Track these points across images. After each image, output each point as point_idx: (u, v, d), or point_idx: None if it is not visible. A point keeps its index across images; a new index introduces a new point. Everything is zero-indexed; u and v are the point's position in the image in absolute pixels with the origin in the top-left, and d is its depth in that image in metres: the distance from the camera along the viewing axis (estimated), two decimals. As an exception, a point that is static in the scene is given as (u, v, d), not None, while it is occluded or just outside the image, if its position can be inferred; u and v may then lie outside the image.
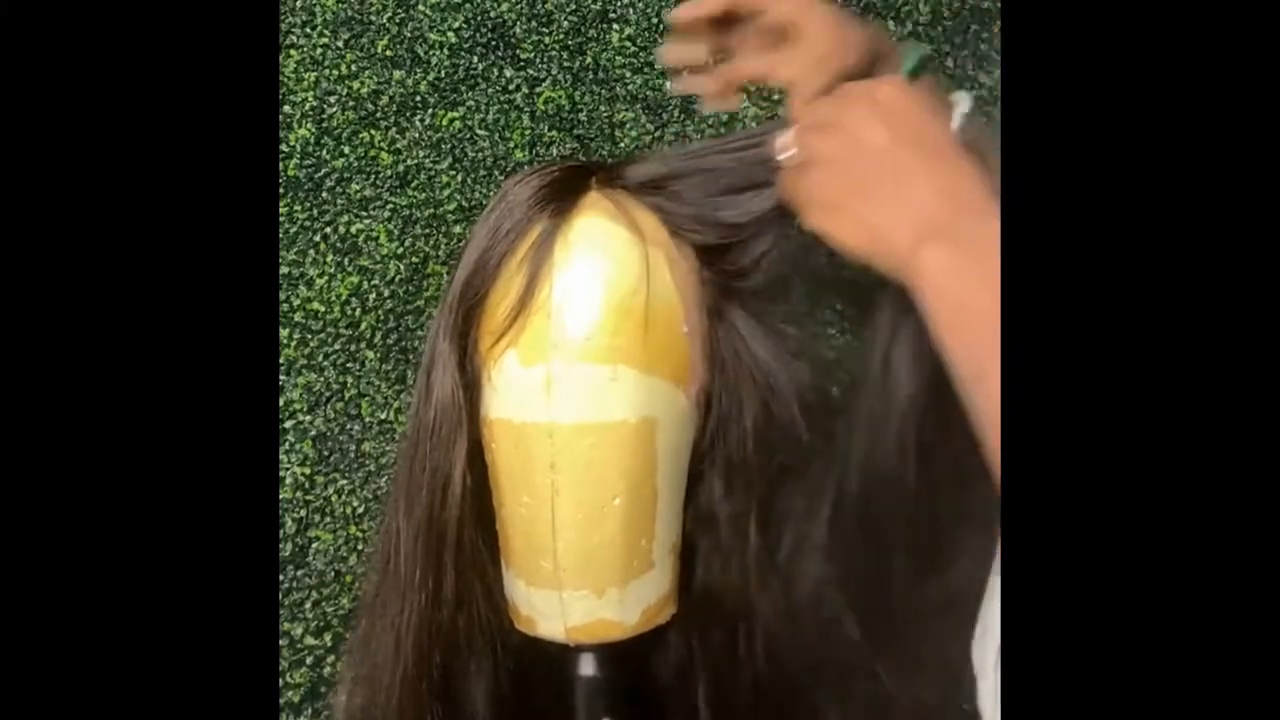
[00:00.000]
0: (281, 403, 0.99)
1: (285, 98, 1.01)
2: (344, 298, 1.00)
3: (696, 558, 0.58)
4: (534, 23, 1.01)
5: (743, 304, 0.56)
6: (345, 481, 0.99)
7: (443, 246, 1.00)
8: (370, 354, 1.00)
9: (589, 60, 1.01)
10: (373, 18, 1.02)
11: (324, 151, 1.01)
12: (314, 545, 0.99)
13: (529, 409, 0.52)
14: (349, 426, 0.99)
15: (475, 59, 1.01)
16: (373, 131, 1.01)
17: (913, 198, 0.44)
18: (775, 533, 0.57)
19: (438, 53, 1.01)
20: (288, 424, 0.99)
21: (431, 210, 1.00)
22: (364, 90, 1.01)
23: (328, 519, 0.99)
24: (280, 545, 0.98)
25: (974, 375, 0.41)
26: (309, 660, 0.98)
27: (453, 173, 1.00)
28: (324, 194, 1.00)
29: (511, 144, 0.99)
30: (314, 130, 1.01)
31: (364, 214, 1.00)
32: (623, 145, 1.01)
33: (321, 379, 0.99)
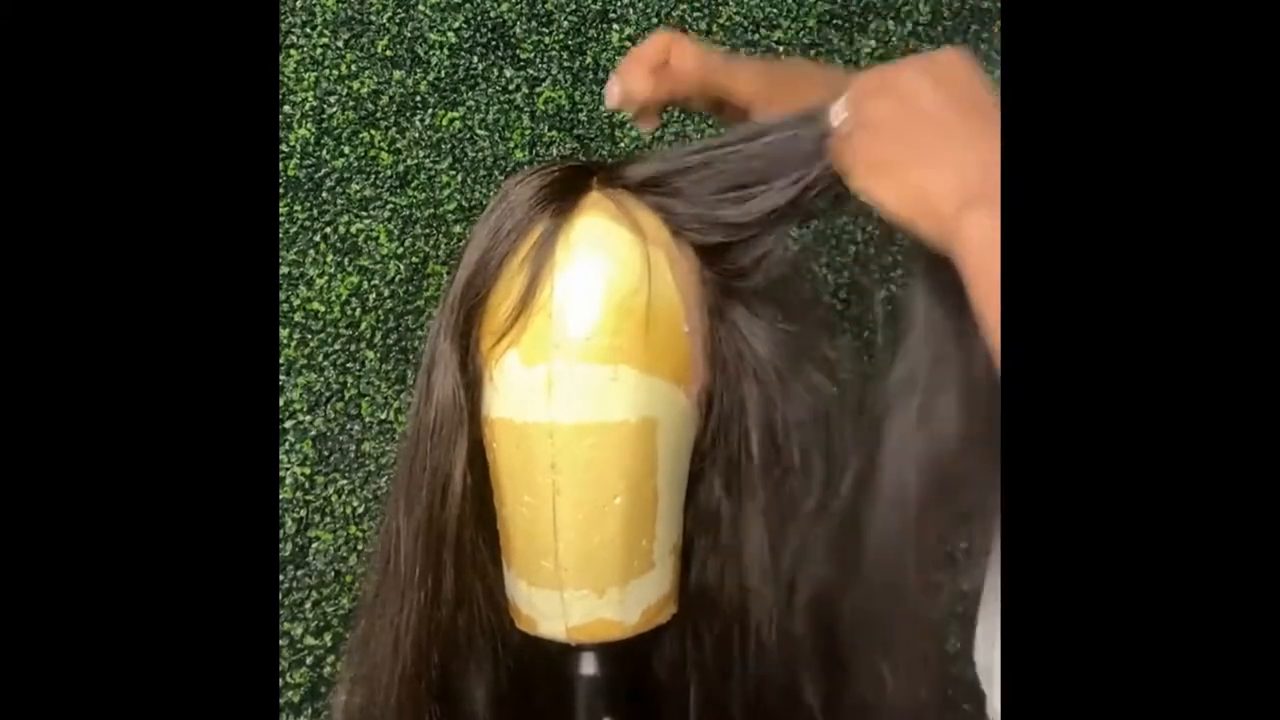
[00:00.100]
0: (281, 403, 0.99)
1: (285, 98, 1.01)
2: (344, 298, 1.00)
3: (697, 558, 0.58)
4: (534, 23, 1.01)
5: (744, 303, 0.56)
6: (345, 481, 0.99)
7: (443, 246, 1.00)
8: (370, 354, 1.00)
9: (589, 60, 1.01)
10: (373, 18, 1.02)
11: (324, 151, 1.01)
12: (314, 545, 0.99)
13: (530, 409, 0.52)
14: (349, 426, 0.99)
15: (475, 59, 1.01)
16: (373, 131, 1.01)
17: (960, 162, 0.44)
18: (776, 533, 0.57)
19: (438, 53, 1.01)
20: (288, 424, 1.00)
21: (431, 210, 1.00)
22: (364, 90, 1.01)
23: (328, 519, 0.99)
24: (280, 545, 0.98)
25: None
26: (309, 660, 0.98)
27: (453, 173, 1.00)
28: (324, 194, 1.00)
29: (511, 144, 0.99)
30: (314, 130, 1.01)
31: (364, 214, 1.00)
32: (623, 145, 1.01)
33: (321, 379, 0.99)
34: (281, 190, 1.00)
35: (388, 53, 1.01)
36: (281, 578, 0.98)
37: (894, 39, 1.09)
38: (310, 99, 1.01)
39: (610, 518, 0.53)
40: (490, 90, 1.00)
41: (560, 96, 1.00)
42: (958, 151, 0.44)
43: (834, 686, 0.58)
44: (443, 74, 1.01)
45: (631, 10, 1.01)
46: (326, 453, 0.99)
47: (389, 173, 1.01)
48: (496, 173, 1.00)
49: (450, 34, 1.01)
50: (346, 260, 1.00)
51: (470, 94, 1.01)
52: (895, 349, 0.52)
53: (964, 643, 0.56)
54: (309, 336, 1.00)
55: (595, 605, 0.53)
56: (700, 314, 0.55)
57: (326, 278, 1.00)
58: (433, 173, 1.00)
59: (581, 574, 0.53)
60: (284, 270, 0.99)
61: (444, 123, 1.00)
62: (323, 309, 1.00)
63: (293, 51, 1.01)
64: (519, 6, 1.01)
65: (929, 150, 0.45)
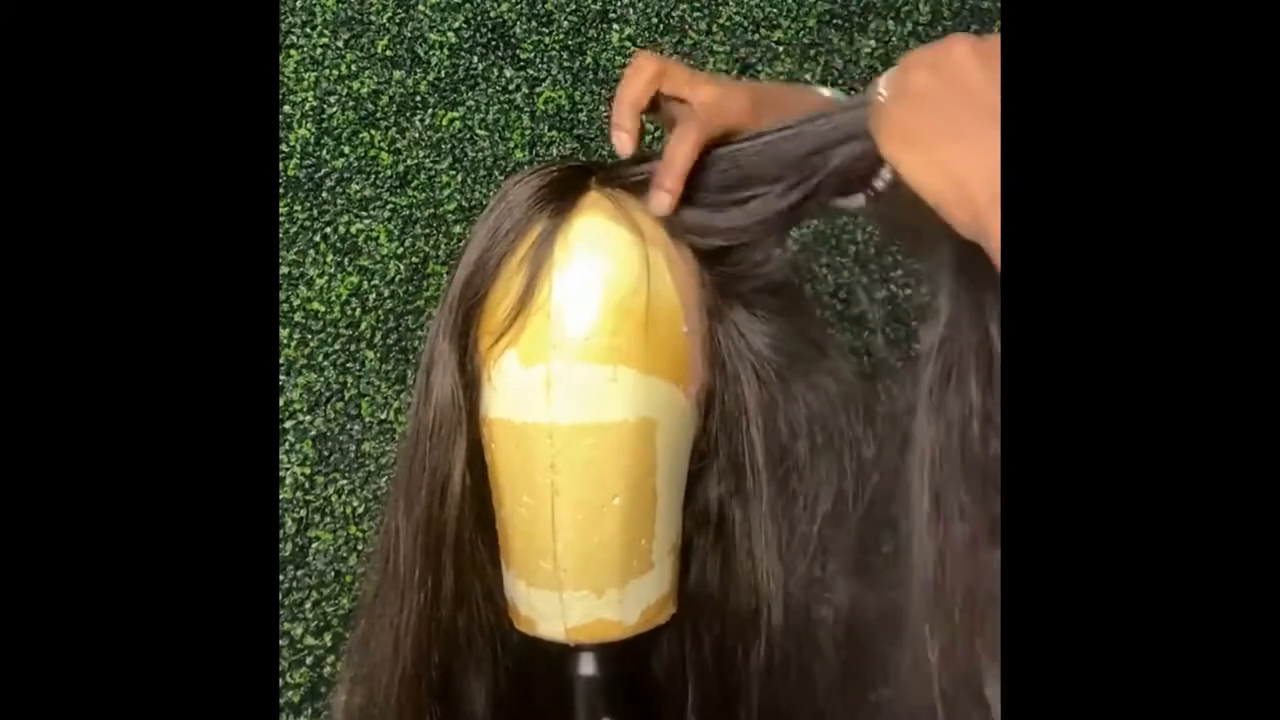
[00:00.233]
0: (281, 403, 0.99)
1: (285, 98, 1.01)
2: (344, 298, 1.00)
3: (696, 558, 0.58)
4: (534, 23, 1.01)
5: (744, 303, 0.56)
6: (345, 481, 0.99)
7: (443, 246, 1.00)
8: (370, 354, 1.00)
9: (589, 60, 1.01)
10: (373, 18, 1.02)
11: (324, 151, 1.01)
12: (314, 545, 0.99)
13: (529, 409, 0.52)
14: (349, 426, 1.00)
15: (475, 59, 1.01)
16: (373, 131, 1.01)
17: (999, 147, 0.42)
18: (776, 533, 0.57)
19: (438, 53, 1.01)
20: (288, 424, 1.00)
21: (431, 210, 1.00)
22: (364, 90, 1.01)
23: (328, 519, 0.99)
24: (280, 545, 0.98)
25: None
26: (309, 660, 0.98)
27: (453, 173, 1.00)
28: (324, 194, 1.00)
29: (511, 144, 0.99)
30: (314, 130, 1.01)
31: (364, 214, 1.00)
32: (623, 145, 1.01)
33: (321, 379, 0.99)
34: (281, 190, 1.00)
35: (388, 53, 1.01)
36: (281, 578, 0.98)
37: (894, 39, 1.09)
38: (310, 99, 1.01)
39: (609, 518, 0.53)
40: (490, 90, 1.00)
41: (560, 96, 1.00)
42: (998, 136, 0.42)
43: (835, 686, 0.58)
44: (443, 74, 1.01)
45: (631, 10, 1.01)
46: (326, 453, 0.99)
47: (389, 173, 1.01)
48: (496, 173, 1.00)
49: (450, 34, 1.01)
50: (346, 260, 1.00)
51: (470, 94, 1.01)
52: (923, 344, 0.51)
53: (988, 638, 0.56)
54: (309, 336, 1.00)
55: (594, 605, 0.53)
56: (699, 314, 0.55)
57: (326, 278, 1.00)
58: (433, 173, 1.00)
59: (580, 574, 0.53)
60: (284, 270, 0.99)
61: (444, 123, 1.00)
62: (323, 309, 1.00)
63: (293, 51, 1.01)
64: (519, 6, 1.01)
65: (966, 128, 0.44)
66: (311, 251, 1.00)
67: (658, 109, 0.58)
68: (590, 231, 0.53)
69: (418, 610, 0.55)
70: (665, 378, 0.53)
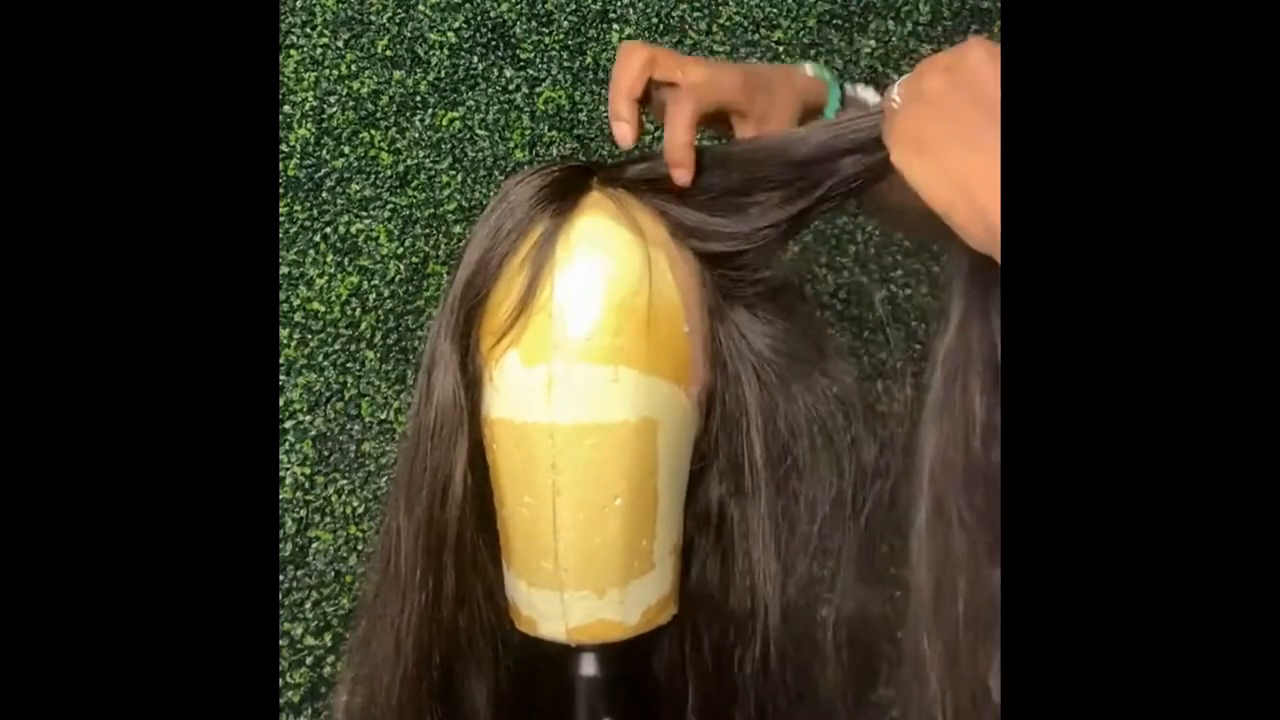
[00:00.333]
0: (281, 403, 0.99)
1: (285, 98, 1.01)
2: (344, 298, 1.00)
3: (697, 558, 0.58)
4: (534, 23, 1.01)
5: (745, 304, 0.56)
6: (345, 481, 0.99)
7: (443, 246, 1.00)
8: (370, 354, 1.00)
9: (589, 60, 1.01)
10: (373, 18, 1.02)
11: (324, 151, 1.01)
12: (314, 545, 0.99)
13: (530, 409, 0.52)
14: (349, 426, 0.99)
15: (475, 59, 1.01)
16: (373, 131, 1.01)
17: None
18: (777, 534, 0.57)
19: (438, 53, 1.01)
20: (288, 424, 1.00)
21: (431, 210, 1.00)
22: (364, 90, 1.01)
23: (328, 519, 0.99)
24: (280, 545, 0.98)
25: None
26: (309, 660, 0.98)
27: (453, 173, 1.00)
28: (324, 194, 1.00)
29: (511, 144, 0.99)
30: (314, 130, 1.01)
31: (364, 214, 1.00)
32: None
33: (321, 379, 0.99)
34: (281, 190, 1.00)
35: (388, 53, 1.01)
36: (281, 578, 0.98)
37: (894, 39, 1.09)
38: (310, 99, 1.01)
39: (610, 518, 0.53)
40: (490, 90, 1.00)
41: (560, 96, 1.00)
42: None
43: (835, 687, 0.58)
44: (443, 74, 1.01)
45: (631, 10, 1.01)
46: (326, 453, 0.99)
47: (389, 173, 1.00)
48: (496, 173, 1.00)
49: (450, 34, 1.01)
50: (346, 260, 1.00)
51: (470, 94, 1.01)
52: (930, 351, 0.51)
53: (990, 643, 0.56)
54: (309, 336, 1.00)
55: (595, 606, 0.53)
56: (701, 314, 0.55)
57: (326, 278, 1.00)
58: (433, 173, 1.00)
59: (582, 575, 0.53)
60: (284, 270, 0.99)
61: (444, 123, 1.00)
62: (323, 309, 1.00)
63: (293, 51, 1.01)
64: (519, 6, 1.01)
65: (979, 134, 0.43)
66: (311, 251, 1.00)
67: (650, 100, 0.58)
68: (592, 231, 0.53)
69: (419, 610, 0.55)
70: (667, 378, 0.53)
